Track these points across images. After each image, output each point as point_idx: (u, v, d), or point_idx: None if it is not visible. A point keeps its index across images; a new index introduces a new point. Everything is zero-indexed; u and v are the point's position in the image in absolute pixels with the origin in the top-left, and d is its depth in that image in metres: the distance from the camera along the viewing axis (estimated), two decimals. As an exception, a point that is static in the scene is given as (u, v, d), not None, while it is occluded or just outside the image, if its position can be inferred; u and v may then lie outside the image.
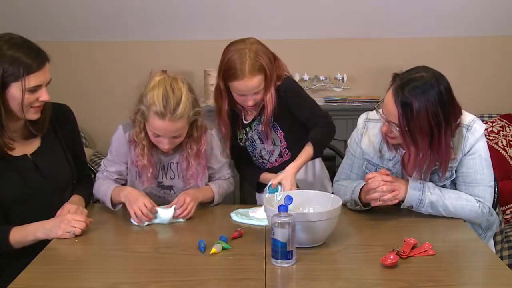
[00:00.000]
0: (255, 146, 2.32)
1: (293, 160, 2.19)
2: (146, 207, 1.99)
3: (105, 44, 3.65)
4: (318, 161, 2.40)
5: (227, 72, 2.13)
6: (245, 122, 2.31)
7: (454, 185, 2.04)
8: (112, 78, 3.66)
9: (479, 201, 1.98)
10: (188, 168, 2.14)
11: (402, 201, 1.96)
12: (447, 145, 1.90)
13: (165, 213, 2.01)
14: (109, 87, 3.69)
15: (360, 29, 3.56)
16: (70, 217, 1.89)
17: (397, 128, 1.89)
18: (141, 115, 2.00)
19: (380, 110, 1.96)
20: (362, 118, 2.18)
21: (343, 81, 3.56)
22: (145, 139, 2.06)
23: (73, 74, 3.66)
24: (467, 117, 1.98)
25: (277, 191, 2.01)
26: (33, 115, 1.97)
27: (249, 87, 2.12)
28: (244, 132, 2.32)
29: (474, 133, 1.96)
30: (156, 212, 2.01)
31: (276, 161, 2.32)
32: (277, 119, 2.24)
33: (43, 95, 1.94)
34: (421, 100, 1.83)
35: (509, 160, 3.24)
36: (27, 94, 1.90)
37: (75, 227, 1.86)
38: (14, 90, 1.88)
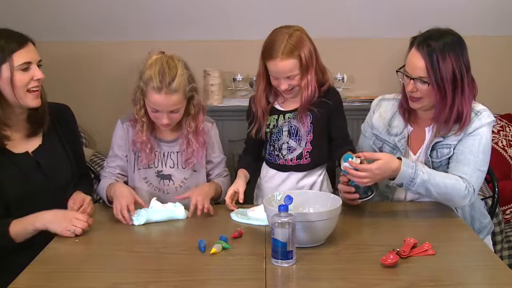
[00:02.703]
0: (279, 136, 2.27)
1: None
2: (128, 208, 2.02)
3: (105, 44, 3.64)
4: (323, 174, 2.35)
5: (265, 51, 2.15)
6: (281, 108, 2.28)
7: (447, 166, 2.07)
8: (111, 78, 3.65)
9: (465, 179, 1.99)
10: (188, 146, 2.20)
11: (393, 179, 1.97)
12: (469, 96, 2.01)
13: (179, 211, 2.04)
14: (109, 87, 3.68)
15: (360, 29, 3.55)
16: (72, 216, 1.90)
17: (424, 81, 1.98)
18: (141, 92, 2.11)
19: (402, 71, 2.05)
20: (377, 98, 2.30)
21: (343, 81, 3.56)
22: (145, 116, 2.16)
23: (73, 74, 3.66)
24: (479, 106, 2.08)
25: (351, 157, 1.97)
26: (32, 101, 1.97)
27: (281, 68, 2.12)
28: (276, 118, 2.28)
29: (481, 119, 2.04)
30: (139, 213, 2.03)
31: (292, 161, 2.27)
32: (314, 122, 2.22)
33: (36, 73, 1.95)
34: (444, 46, 1.97)
35: (509, 160, 3.24)
36: (20, 74, 1.91)
37: (76, 226, 1.87)
38: (5, 73, 1.90)
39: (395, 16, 3.47)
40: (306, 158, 2.26)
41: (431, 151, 2.08)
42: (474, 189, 2.00)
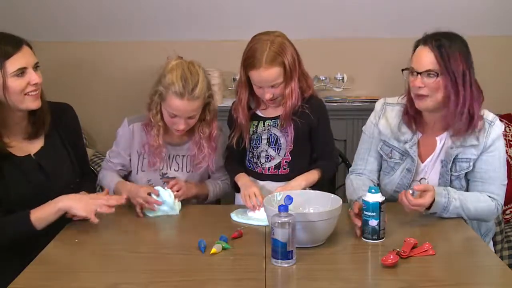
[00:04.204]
0: (258, 144, 2.25)
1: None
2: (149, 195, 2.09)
3: (105, 44, 3.64)
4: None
5: (247, 60, 2.11)
6: (261, 115, 2.25)
7: (466, 179, 2.08)
8: (112, 78, 3.66)
9: (494, 198, 2.03)
10: (199, 151, 2.21)
11: (428, 208, 1.95)
12: (478, 98, 2.01)
13: (166, 195, 2.08)
14: (109, 87, 3.68)
15: (360, 29, 3.55)
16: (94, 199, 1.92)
17: (433, 74, 1.96)
18: (159, 96, 2.11)
19: (406, 71, 2.04)
20: (380, 102, 2.24)
21: (343, 81, 3.56)
22: (161, 121, 2.16)
23: (73, 74, 3.66)
24: (490, 114, 2.08)
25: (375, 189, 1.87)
26: (32, 104, 1.95)
27: (265, 78, 2.08)
28: (255, 124, 2.25)
29: (495, 129, 2.05)
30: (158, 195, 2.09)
31: (269, 170, 2.24)
32: (295, 132, 2.19)
33: (33, 77, 1.92)
34: (452, 42, 1.98)
35: (509, 160, 3.24)
36: (14, 80, 1.88)
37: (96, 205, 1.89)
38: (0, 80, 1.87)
39: (395, 16, 3.47)
40: (284, 168, 2.23)
41: (451, 164, 2.05)
42: (502, 205, 2.04)
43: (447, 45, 1.96)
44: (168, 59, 2.14)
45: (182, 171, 2.25)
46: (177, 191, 2.11)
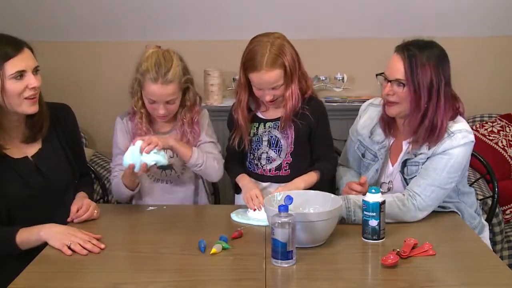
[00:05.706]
0: (259, 146, 2.24)
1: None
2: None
3: (105, 44, 3.65)
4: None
5: (247, 63, 2.10)
6: (262, 117, 2.25)
7: None
8: (112, 78, 3.66)
9: (414, 192, 1.96)
10: (182, 137, 2.23)
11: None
12: (445, 110, 1.97)
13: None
14: (109, 87, 3.68)
15: (360, 29, 3.56)
16: (79, 233, 1.82)
17: (401, 83, 1.97)
18: (138, 84, 2.16)
19: (381, 76, 2.05)
20: (366, 103, 2.29)
21: (343, 81, 3.56)
22: (143, 108, 2.20)
23: (73, 74, 3.66)
24: (456, 126, 2.00)
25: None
26: (29, 108, 1.94)
27: (266, 80, 2.08)
28: (256, 126, 2.25)
29: (452, 140, 1.97)
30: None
31: (270, 171, 2.23)
32: (296, 133, 2.19)
33: (32, 81, 1.90)
34: (424, 54, 1.96)
35: (509, 160, 3.24)
36: (12, 83, 1.87)
37: (72, 241, 1.78)
38: None
39: (396, 16, 3.47)
40: (285, 170, 2.22)
41: (402, 167, 2.06)
42: (424, 201, 1.95)
43: (420, 56, 1.95)
44: (146, 48, 2.18)
45: (177, 156, 2.22)
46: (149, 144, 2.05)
